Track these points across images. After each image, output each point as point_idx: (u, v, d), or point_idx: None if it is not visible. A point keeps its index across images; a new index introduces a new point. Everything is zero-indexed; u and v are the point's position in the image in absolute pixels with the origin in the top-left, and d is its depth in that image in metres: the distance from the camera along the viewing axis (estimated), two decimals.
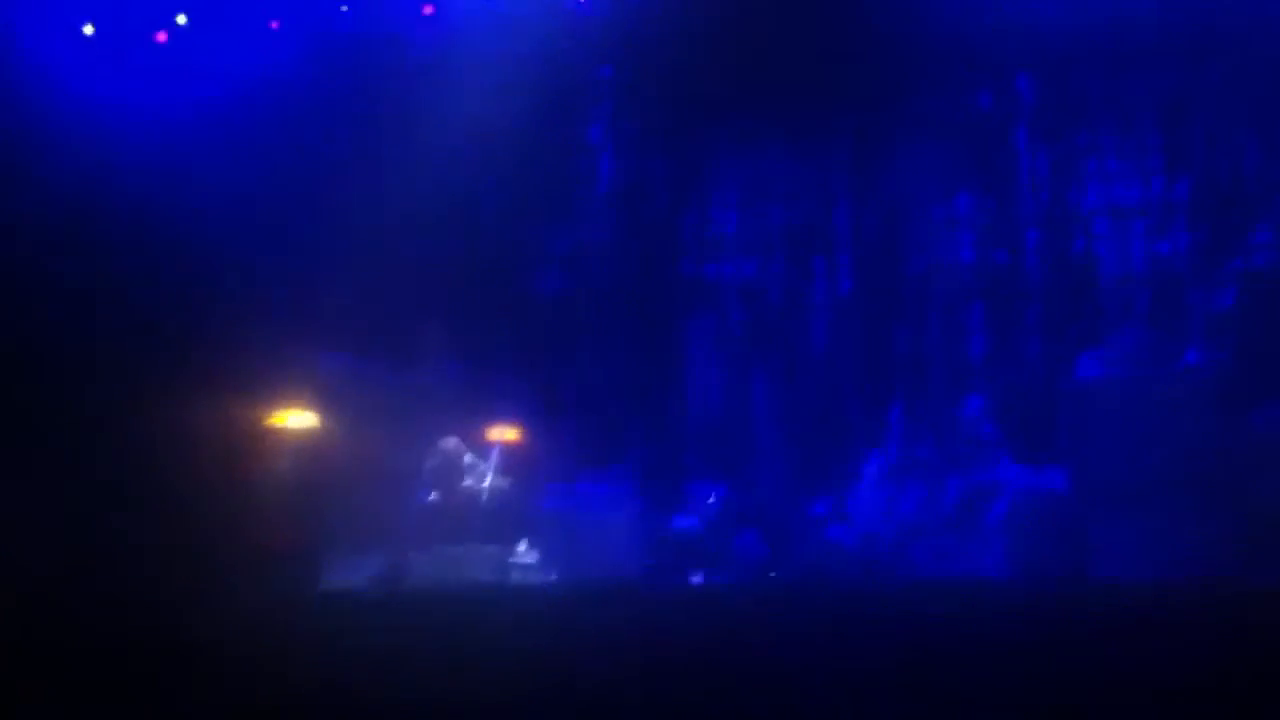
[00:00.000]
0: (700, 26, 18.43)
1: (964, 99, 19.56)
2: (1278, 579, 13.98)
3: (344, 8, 18.94)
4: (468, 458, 17.09)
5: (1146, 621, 9.82)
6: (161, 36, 17.90)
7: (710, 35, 18.39)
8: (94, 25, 17.37)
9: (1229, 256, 17.79)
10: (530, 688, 7.01)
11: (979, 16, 18.08)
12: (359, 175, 17.75)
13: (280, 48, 18.30)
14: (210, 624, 10.41)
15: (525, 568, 16.19)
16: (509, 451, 17.34)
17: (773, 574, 17.67)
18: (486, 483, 16.88)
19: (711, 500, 18.25)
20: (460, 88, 18.27)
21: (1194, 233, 18.38)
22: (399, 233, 17.86)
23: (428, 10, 18.94)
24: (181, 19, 17.90)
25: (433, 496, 16.79)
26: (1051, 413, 17.82)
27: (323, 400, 16.66)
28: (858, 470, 18.59)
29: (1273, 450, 15.67)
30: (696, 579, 16.92)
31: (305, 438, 16.19)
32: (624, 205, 20.70)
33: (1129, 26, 18.00)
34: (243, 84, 17.60)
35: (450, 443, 17.06)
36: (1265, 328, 16.94)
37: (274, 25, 18.36)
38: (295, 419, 16.28)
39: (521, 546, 16.41)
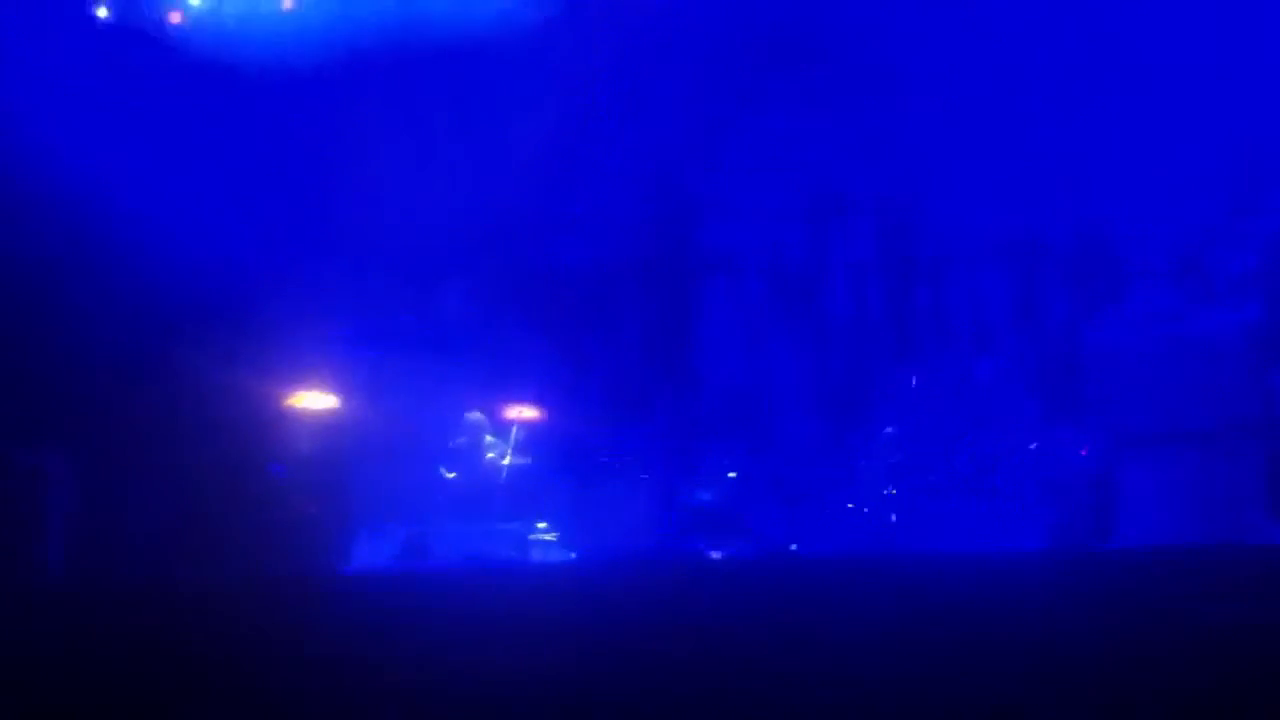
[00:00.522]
0: None
1: (978, 57, 19.38)
2: None
3: None
4: (487, 434, 17.14)
5: (1168, 590, 9.82)
6: (175, 17, 17.83)
7: None
8: (107, 8, 17.29)
9: (1253, 214, 17.64)
10: (550, 663, 7.05)
11: None
12: (375, 144, 17.73)
13: (292, 23, 18.25)
14: (233, 598, 10.53)
15: (544, 544, 16.26)
16: (528, 426, 17.37)
17: (793, 546, 17.71)
18: (506, 459, 16.93)
19: (733, 475, 18.27)
20: (474, 50, 18.19)
21: (1216, 190, 18.21)
22: (415, 201, 17.85)
23: None
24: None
25: (453, 473, 16.86)
26: (1071, 373, 17.76)
27: (341, 375, 16.73)
28: (876, 436, 18.59)
29: None
30: (716, 552, 16.97)
31: (325, 413, 16.27)
32: (638, 169, 20.58)
33: None
34: (256, 62, 17.56)
35: (470, 417, 17.10)
36: None
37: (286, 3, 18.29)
38: (315, 394, 16.36)
39: (541, 523, 16.48)
